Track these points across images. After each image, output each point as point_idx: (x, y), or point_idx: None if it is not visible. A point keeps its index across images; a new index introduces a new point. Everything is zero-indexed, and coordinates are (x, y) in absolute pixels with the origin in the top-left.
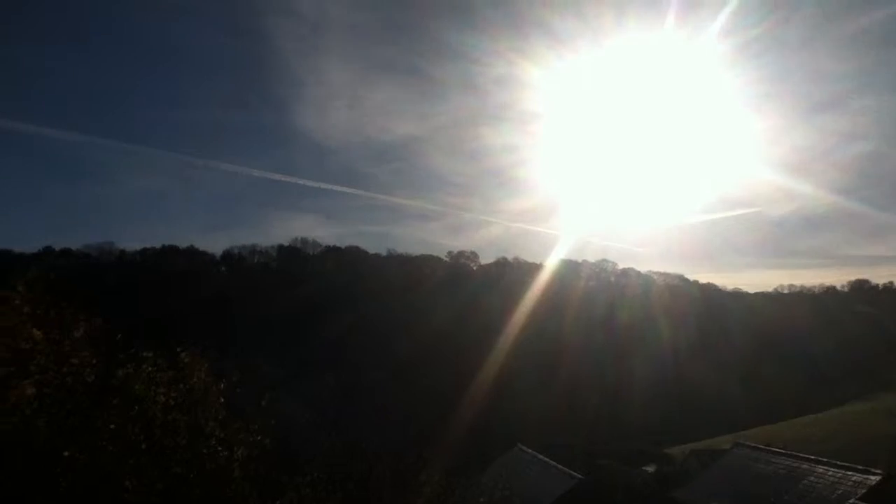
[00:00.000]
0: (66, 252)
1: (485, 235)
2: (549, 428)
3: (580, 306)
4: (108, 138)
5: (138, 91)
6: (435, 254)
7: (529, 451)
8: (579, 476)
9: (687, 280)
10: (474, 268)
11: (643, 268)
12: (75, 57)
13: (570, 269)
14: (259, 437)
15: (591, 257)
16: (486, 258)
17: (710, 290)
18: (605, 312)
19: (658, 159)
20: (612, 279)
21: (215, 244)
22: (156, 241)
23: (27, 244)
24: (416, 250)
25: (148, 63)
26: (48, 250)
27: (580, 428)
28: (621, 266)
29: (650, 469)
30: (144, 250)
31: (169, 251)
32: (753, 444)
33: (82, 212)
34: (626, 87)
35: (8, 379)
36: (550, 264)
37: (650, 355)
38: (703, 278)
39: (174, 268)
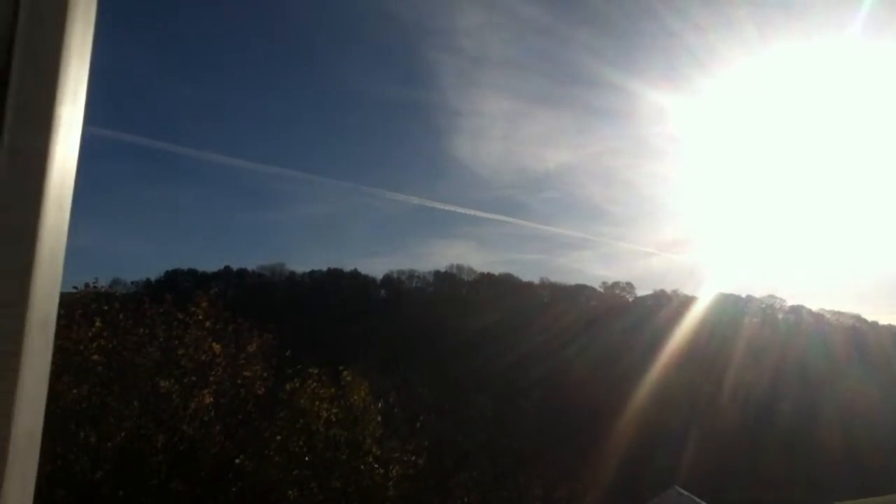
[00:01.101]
0: (241, 272)
1: (642, 266)
2: (708, 474)
3: (745, 345)
4: (283, 167)
5: (312, 125)
6: (589, 284)
7: (687, 493)
8: None
9: (865, 321)
10: (630, 299)
11: (813, 305)
12: (260, 96)
13: (732, 304)
14: (413, 458)
15: (757, 292)
16: (643, 290)
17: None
18: (776, 353)
19: (834, 184)
20: (780, 316)
21: (376, 268)
22: (322, 264)
23: (209, 264)
24: (569, 280)
25: (319, 98)
26: (227, 270)
27: (745, 479)
28: (790, 303)
29: None
30: (312, 272)
31: (334, 274)
32: None
33: (258, 235)
34: (795, 110)
35: (191, 388)
36: (710, 298)
37: (838, 406)
38: (884, 319)
39: (338, 289)
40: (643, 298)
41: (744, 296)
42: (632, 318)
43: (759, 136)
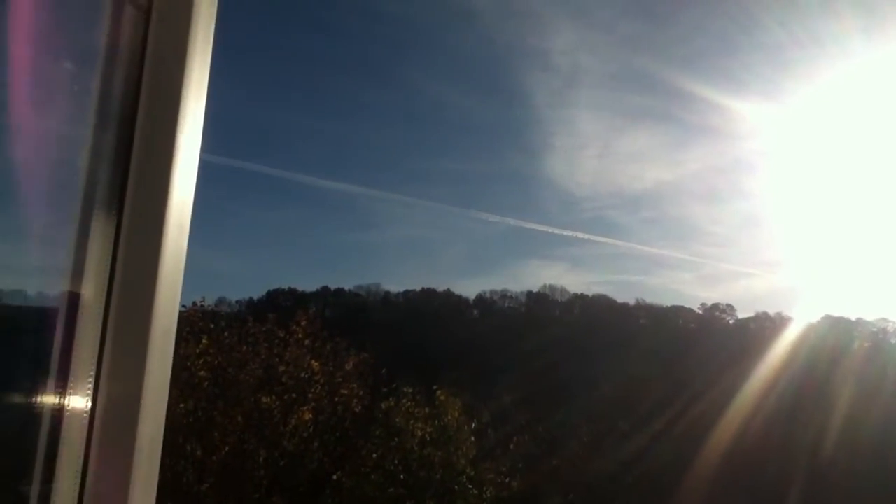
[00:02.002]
0: (339, 291)
1: (743, 287)
2: None
3: (858, 374)
4: (380, 190)
5: (408, 148)
6: (687, 305)
7: None
8: None
9: None
10: (730, 322)
11: None
12: (359, 121)
13: (841, 328)
14: (507, 479)
15: (868, 315)
16: (745, 312)
17: None
18: (891, 382)
19: None
20: (894, 341)
21: (469, 288)
22: (416, 284)
23: (308, 283)
24: (666, 301)
25: (415, 121)
26: (324, 289)
27: None
28: None
29: None
30: (406, 292)
31: (427, 293)
32: None
33: (355, 256)
34: None
35: (291, 404)
36: (816, 321)
37: None
38: None
39: (432, 309)
40: (744, 321)
41: (853, 319)
42: (731, 339)
43: (868, 149)
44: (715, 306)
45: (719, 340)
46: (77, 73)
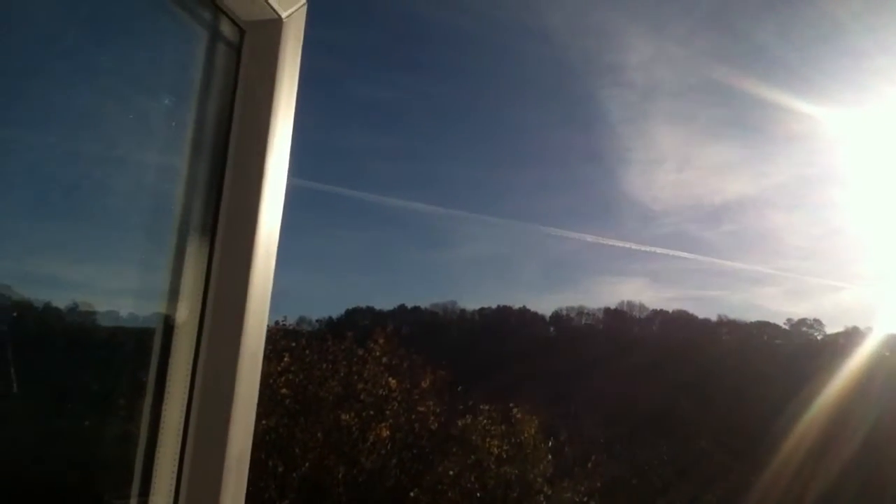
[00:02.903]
0: (415, 309)
1: (831, 302)
2: None
3: None
4: (456, 209)
5: (484, 166)
6: (772, 321)
7: None
8: None
9: None
10: (819, 337)
11: None
12: (432, 140)
13: None
14: (586, 499)
15: None
16: (834, 327)
17: None
18: None
19: None
20: None
21: (545, 305)
22: (492, 302)
23: (385, 302)
24: (750, 317)
25: (490, 140)
26: (401, 308)
27: None
28: None
29: None
30: (482, 309)
31: (503, 311)
32: None
33: (431, 274)
34: None
35: (369, 421)
36: None
37: None
38: None
39: (507, 326)
40: (833, 336)
41: None
42: (819, 355)
43: None
44: (802, 321)
45: (808, 356)
46: (174, 107)
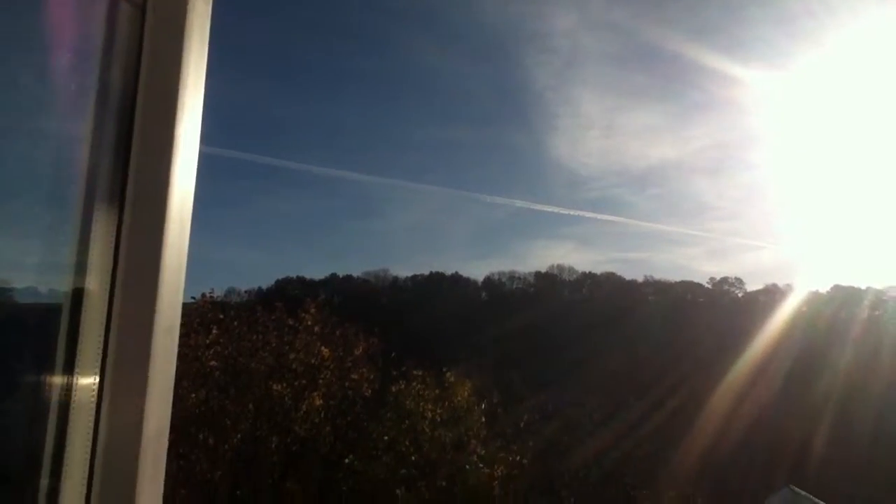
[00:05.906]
0: (347, 278)
1: (752, 261)
2: (832, 478)
3: (870, 341)
4: (385, 177)
5: (412, 133)
6: (696, 280)
7: (803, 493)
8: None
9: None
10: (740, 295)
11: None
12: (361, 107)
13: (851, 297)
14: (518, 458)
15: (878, 283)
16: (754, 285)
17: None
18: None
19: None
20: None
21: (477, 271)
22: (424, 269)
23: (316, 271)
24: (675, 277)
25: (418, 107)
26: (333, 276)
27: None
28: None
29: None
30: (414, 276)
31: (435, 277)
32: None
33: (362, 242)
34: None
35: (302, 391)
36: (827, 291)
37: None
38: None
39: (440, 292)
40: (754, 294)
41: (863, 287)
42: (741, 312)
43: (874, 118)
44: (724, 280)
45: (728, 313)
46: (75, 70)
